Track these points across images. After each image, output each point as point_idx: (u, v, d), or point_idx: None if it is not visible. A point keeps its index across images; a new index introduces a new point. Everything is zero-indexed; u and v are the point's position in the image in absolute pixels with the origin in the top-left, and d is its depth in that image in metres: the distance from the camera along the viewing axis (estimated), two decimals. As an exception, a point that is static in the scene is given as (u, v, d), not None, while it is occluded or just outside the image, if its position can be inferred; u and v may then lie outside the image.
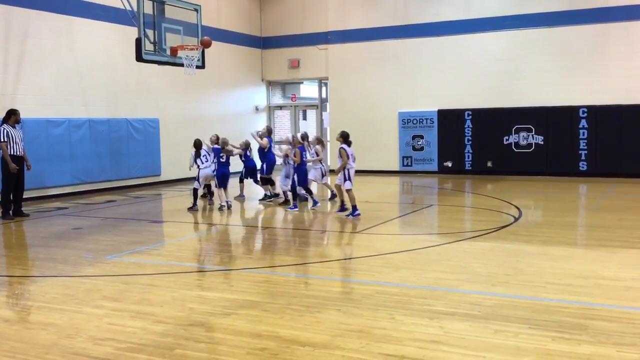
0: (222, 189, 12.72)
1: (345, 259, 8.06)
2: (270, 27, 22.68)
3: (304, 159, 12.61)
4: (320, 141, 13.50)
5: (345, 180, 11.23)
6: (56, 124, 14.75)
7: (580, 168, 18.05)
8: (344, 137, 11.39)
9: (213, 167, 12.89)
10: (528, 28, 18.52)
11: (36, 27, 14.37)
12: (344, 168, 11.16)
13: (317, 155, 13.21)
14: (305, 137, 13.29)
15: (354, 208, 11.12)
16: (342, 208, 11.52)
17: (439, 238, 9.38)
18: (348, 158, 11.10)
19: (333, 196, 13.31)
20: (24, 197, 12.30)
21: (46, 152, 14.36)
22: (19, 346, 4.86)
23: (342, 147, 11.25)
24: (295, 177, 12.64)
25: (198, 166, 12.75)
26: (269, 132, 14.35)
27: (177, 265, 7.74)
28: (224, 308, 5.73)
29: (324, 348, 4.65)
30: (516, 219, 10.77)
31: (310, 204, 12.60)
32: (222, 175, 12.79)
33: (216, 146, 13.14)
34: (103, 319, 5.49)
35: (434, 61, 19.83)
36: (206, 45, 13.08)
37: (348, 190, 11.23)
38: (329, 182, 13.60)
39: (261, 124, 22.82)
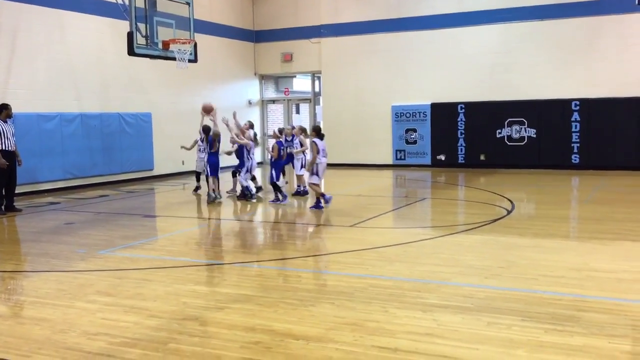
0: (214, 177, 12.71)
1: (339, 253, 8.06)
2: (263, 20, 22.61)
3: (281, 154, 12.50)
4: (303, 131, 13.51)
5: (312, 174, 11.35)
6: (48, 119, 14.68)
7: (573, 161, 18.12)
8: (317, 131, 11.55)
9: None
10: (521, 21, 18.54)
11: (27, 21, 14.28)
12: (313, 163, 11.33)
13: (302, 145, 13.24)
14: (282, 130, 13.12)
15: (318, 200, 11.32)
16: (317, 204, 11.42)
17: (432, 231, 9.41)
18: (318, 153, 11.21)
19: (300, 191, 13.37)
20: (16, 192, 12.25)
21: (38, 147, 14.30)
22: (11, 341, 4.85)
23: (313, 141, 11.36)
24: (274, 171, 12.32)
25: (208, 152, 12.79)
26: (251, 127, 14.21)
27: (170, 259, 7.73)
28: (217, 302, 5.73)
29: (317, 341, 4.65)
30: (509, 212, 10.80)
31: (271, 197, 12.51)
32: (215, 164, 12.75)
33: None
34: (96, 313, 5.48)
35: (427, 54, 19.83)
36: (206, 111, 12.89)
37: (313, 184, 11.36)
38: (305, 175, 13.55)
39: (254, 118, 22.83)
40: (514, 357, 4.27)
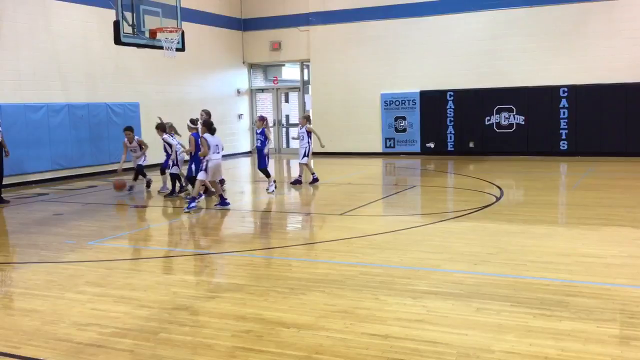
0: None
1: (329, 241, 8.08)
2: (250, 8, 22.45)
3: (199, 147, 10.88)
4: (307, 119, 13.41)
5: (201, 169, 10.44)
6: (34, 109, 14.55)
7: (561, 147, 18.21)
8: (207, 126, 10.56)
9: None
10: (509, 8, 18.53)
11: (11, 10, 14.10)
12: (203, 157, 10.38)
13: (309, 134, 13.10)
14: (195, 121, 11.50)
15: (194, 199, 10.40)
16: (222, 201, 10.58)
17: (422, 219, 9.44)
18: (209, 148, 10.32)
19: (299, 180, 13.30)
20: (3, 183, 12.15)
21: (25, 138, 14.18)
22: (1, 333, 4.82)
23: (203, 137, 10.42)
24: (193, 165, 11.14)
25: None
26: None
27: (160, 249, 7.71)
28: (208, 291, 5.73)
29: (308, 329, 4.67)
30: (498, 199, 10.85)
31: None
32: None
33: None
34: (86, 304, 5.47)
35: (416, 42, 19.79)
36: (118, 187, 12.44)
37: (199, 180, 10.43)
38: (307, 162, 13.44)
39: (243, 107, 22.78)
40: (503, 342, 4.31)
